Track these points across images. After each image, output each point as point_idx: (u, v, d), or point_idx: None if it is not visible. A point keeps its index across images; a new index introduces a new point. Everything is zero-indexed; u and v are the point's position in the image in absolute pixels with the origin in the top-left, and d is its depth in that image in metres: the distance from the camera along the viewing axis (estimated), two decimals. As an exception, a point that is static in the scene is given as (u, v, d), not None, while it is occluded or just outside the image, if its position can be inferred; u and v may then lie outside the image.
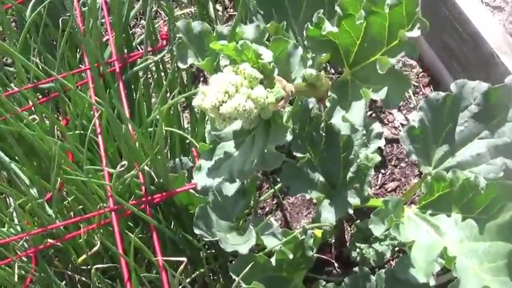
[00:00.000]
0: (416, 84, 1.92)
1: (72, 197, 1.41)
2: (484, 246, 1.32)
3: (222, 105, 1.08)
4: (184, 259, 1.23)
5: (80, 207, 1.42)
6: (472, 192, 1.36)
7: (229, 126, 1.21)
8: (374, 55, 1.26)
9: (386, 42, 1.24)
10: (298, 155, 1.50)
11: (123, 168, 1.26)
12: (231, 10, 2.17)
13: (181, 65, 1.36)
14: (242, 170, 1.21)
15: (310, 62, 1.29)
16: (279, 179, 1.77)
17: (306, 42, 1.29)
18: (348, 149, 1.53)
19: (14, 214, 1.39)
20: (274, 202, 1.80)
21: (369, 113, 1.89)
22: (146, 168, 1.32)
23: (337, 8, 1.24)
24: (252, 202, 1.64)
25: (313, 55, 1.28)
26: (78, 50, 1.73)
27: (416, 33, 1.17)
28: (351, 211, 1.47)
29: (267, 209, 1.79)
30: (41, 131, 1.35)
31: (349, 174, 1.52)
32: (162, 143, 1.31)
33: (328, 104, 1.24)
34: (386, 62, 1.19)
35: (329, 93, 1.25)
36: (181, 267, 1.21)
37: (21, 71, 1.52)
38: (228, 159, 1.24)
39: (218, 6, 2.15)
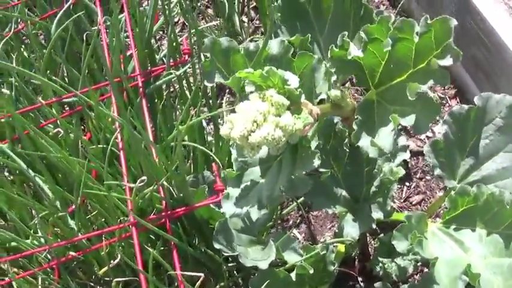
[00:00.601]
0: (442, 96, 1.90)
1: (95, 211, 1.42)
2: (509, 262, 1.31)
3: (250, 134, 1.06)
4: (202, 274, 1.22)
5: (102, 219, 1.42)
6: (497, 207, 1.35)
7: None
8: (400, 76, 1.25)
9: (413, 64, 1.23)
10: (322, 169, 1.49)
11: (142, 184, 1.27)
12: (257, 22, 2.17)
13: (208, 84, 1.36)
14: (271, 196, 1.20)
15: (334, 77, 1.28)
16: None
17: (329, 64, 1.28)
18: (372, 164, 1.53)
19: (38, 226, 1.40)
20: (298, 215, 1.79)
21: (394, 125, 1.87)
22: (166, 183, 1.32)
23: (362, 34, 1.23)
24: (275, 215, 1.63)
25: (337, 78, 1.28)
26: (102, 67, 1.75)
27: (448, 61, 1.15)
28: (373, 226, 1.46)
29: (290, 222, 1.79)
30: (64, 153, 1.36)
31: (373, 189, 1.51)
32: (181, 158, 1.31)
33: (355, 127, 1.23)
34: (415, 88, 1.17)
35: (355, 116, 1.24)
36: (199, 282, 1.20)
37: (46, 85, 1.54)
38: (256, 186, 1.24)
39: (244, 18, 2.15)
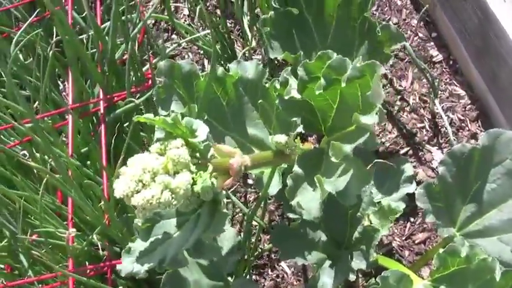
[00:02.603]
0: (462, 118, 1.67)
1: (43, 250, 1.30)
2: (502, 334, 1.20)
3: (133, 196, 0.90)
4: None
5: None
6: (488, 275, 1.20)
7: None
8: (350, 126, 1.06)
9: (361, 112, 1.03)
10: (290, 215, 1.33)
11: (74, 234, 1.14)
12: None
13: (162, 112, 1.22)
14: (175, 257, 1.02)
15: (271, 140, 1.10)
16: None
17: (277, 102, 1.10)
18: (355, 206, 1.35)
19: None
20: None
21: (405, 149, 1.66)
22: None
23: (299, 71, 1.04)
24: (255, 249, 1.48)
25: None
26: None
27: (371, 119, 0.95)
28: (353, 277, 1.31)
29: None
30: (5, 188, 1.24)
31: (356, 235, 1.35)
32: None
33: (289, 182, 1.04)
34: (339, 149, 1.01)
35: (294, 168, 1.06)
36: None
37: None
38: (166, 241, 1.07)
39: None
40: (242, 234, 1.41)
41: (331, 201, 1.31)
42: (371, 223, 1.35)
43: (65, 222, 1.27)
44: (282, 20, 1.49)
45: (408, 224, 1.60)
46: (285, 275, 1.60)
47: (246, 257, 1.43)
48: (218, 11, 1.96)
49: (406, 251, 1.56)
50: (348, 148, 0.99)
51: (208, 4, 1.97)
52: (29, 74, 1.45)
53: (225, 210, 0.99)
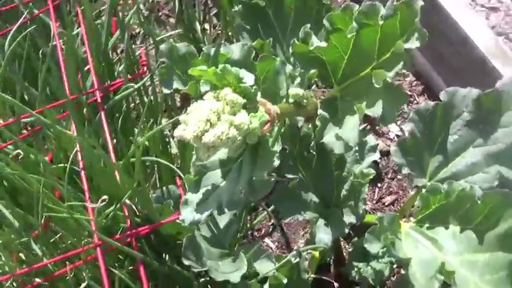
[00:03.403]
0: (410, 93, 1.88)
1: (59, 234, 1.38)
2: (483, 257, 1.29)
3: (204, 134, 1.03)
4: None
5: (69, 242, 1.38)
6: (469, 203, 1.33)
7: (215, 155, 1.15)
8: (364, 70, 1.23)
9: (377, 56, 1.21)
10: (290, 176, 1.46)
11: (103, 203, 1.23)
12: (219, 28, 2.14)
13: (166, 91, 1.32)
14: (231, 200, 1.15)
15: (298, 80, 1.27)
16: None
17: (292, 60, 1.26)
18: (341, 167, 1.50)
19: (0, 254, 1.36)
20: (270, 223, 1.77)
21: (363, 125, 1.85)
22: (128, 201, 1.29)
23: (325, 22, 1.22)
24: (248, 225, 1.60)
25: (302, 71, 1.25)
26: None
27: (415, 44, 1.13)
28: (346, 230, 1.44)
29: (263, 231, 1.76)
30: (22, 171, 1.32)
31: (343, 193, 1.49)
32: (141, 175, 1.27)
33: (318, 123, 1.21)
34: (383, 75, 1.15)
35: (319, 112, 1.22)
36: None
37: (3, 105, 1.50)
38: (216, 190, 1.19)
39: (206, 26, 2.12)
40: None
41: (318, 165, 1.48)
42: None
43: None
44: (248, 13, 1.63)
45: (376, 190, 1.78)
46: (270, 250, 1.72)
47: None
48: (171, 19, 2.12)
49: (379, 212, 1.74)
50: (391, 74, 1.15)
51: (160, 13, 2.12)
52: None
53: (272, 149, 1.12)
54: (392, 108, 1.18)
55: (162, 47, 1.32)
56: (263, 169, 1.14)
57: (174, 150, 1.59)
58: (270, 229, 1.72)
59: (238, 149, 1.12)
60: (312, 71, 1.26)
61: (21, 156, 1.42)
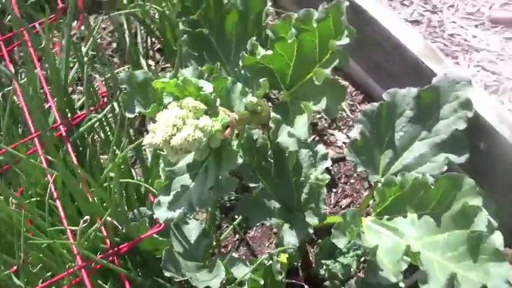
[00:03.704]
0: (351, 103, 1.99)
1: (39, 266, 1.41)
2: (443, 237, 1.38)
3: (172, 138, 1.12)
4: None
5: (49, 274, 1.41)
6: (422, 190, 1.43)
7: (182, 161, 1.27)
8: (309, 73, 1.34)
9: (319, 59, 1.32)
10: (252, 185, 1.54)
11: (85, 224, 1.28)
12: (163, 63, 2.22)
13: (129, 115, 1.39)
14: (200, 199, 1.25)
15: (250, 96, 1.35)
16: (236, 216, 1.79)
17: (242, 72, 1.35)
18: (298, 172, 1.58)
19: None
20: (235, 239, 1.83)
21: (311, 137, 1.94)
22: (109, 219, 1.34)
23: (269, 32, 1.32)
24: (214, 242, 1.66)
25: (251, 89, 1.35)
26: (19, 124, 1.75)
27: (345, 40, 1.24)
28: (311, 231, 1.50)
29: (229, 247, 1.81)
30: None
31: (303, 196, 1.56)
32: (120, 192, 1.33)
33: (272, 125, 1.30)
34: (322, 73, 1.26)
35: (272, 115, 1.31)
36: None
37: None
38: (186, 191, 1.28)
39: (151, 62, 2.19)
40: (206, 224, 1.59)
41: (276, 173, 1.56)
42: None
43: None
44: (193, 41, 1.71)
45: (332, 194, 1.86)
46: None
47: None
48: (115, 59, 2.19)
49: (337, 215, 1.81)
50: (328, 71, 1.25)
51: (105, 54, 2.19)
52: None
53: (234, 148, 1.20)
54: (335, 102, 1.30)
55: (122, 74, 1.39)
56: (228, 167, 1.23)
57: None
58: (236, 244, 1.78)
59: (203, 153, 1.21)
60: (262, 79, 1.35)
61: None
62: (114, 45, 2.30)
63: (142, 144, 1.19)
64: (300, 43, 1.33)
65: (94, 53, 1.91)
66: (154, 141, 1.14)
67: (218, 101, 1.23)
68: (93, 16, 2.42)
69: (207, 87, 1.21)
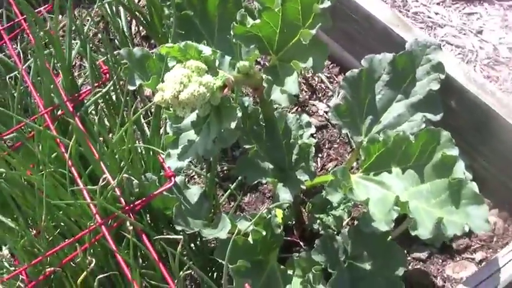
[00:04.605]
0: (328, 75, 2.12)
1: (57, 231, 1.51)
2: (426, 187, 1.49)
3: (179, 94, 1.26)
4: (181, 237, 1.36)
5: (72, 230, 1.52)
6: (404, 145, 1.54)
7: (186, 119, 1.43)
8: (294, 37, 1.46)
9: (302, 23, 1.44)
10: (246, 146, 1.66)
11: (104, 182, 1.39)
12: (148, 49, 2.32)
13: (131, 87, 1.50)
14: (206, 150, 1.39)
15: (238, 64, 1.47)
16: (231, 185, 1.91)
17: (234, 40, 1.48)
18: (287, 135, 1.70)
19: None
20: (231, 206, 1.94)
21: (294, 108, 2.07)
22: (125, 175, 1.45)
23: (256, 3, 1.44)
24: (213, 207, 1.77)
25: (238, 61, 1.47)
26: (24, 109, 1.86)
27: (326, 3, 1.37)
28: (303, 187, 1.63)
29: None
30: (14, 176, 1.46)
31: (294, 157, 1.68)
32: (134, 152, 1.45)
33: (265, 85, 1.43)
34: (308, 34, 1.39)
35: (264, 77, 1.44)
36: (179, 245, 1.33)
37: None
38: (192, 144, 1.43)
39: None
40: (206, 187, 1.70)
41: (268, 137, 1.68)
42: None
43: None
44: (180, 23, 1.81)
45: (318, 159, 2.00)
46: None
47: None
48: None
49: (325, 177, 1.94)
50: (313, 31, 1.39)
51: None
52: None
53: (233, 105, 1.34)
54: (320, 59, 1.43)
55: (122, 51, 1.50)
56: (229, 120, 1.35)
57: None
58: (232, 210, 1.89)
59: (206, 110, 1.34)
60: (252, 46, 1.47)
61: (4, 174, 1.54)
62: (100, 36, 2.41)
63: (153, 102, 1.32)
64: (284, 11, 1.45)
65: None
66: (164, 98, 1.27)
67: (217, 63, 1.37)
68: (77, 10, 2.53)
69: (207, 50, 1.35)
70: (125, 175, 1.43)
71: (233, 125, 1.34)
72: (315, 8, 1.39)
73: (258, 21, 1.45)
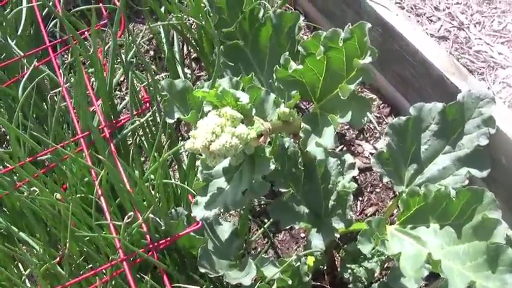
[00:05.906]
0: (378, 115, 2.07)
1: (81, 258, 1.51)
2: (463, 248, 1.44)
3: (211, 144, 1.23)
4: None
5: (90, 266, 1.51)
6: (445, 202, 1.49)
7: (218, 165, 1.37)
8: (337, 87, 1.43)
9: (346, 74, 1.41)
10: (283, 190, 1.63)
11: (130, 219, 1.37)
12: (198, 71, 2.32)
13: (169, 120, 1.50)
14: (235, 200, 1.36)
15: (282, 106, 1.44)
16: (266, 220, 1.88)
17: (276, 84, 1.45)
18: (326, 180, 1.66)
19: (27, 282, 1.48)
20: (265, 242, 1.91)
21: (339, 147, 2.03)
22: (151, 215, 1.43)
23: (300, 48, 1.41)
24: (244, 244, 1.75)
25: (284, 99, 1.44)
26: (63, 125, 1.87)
27: (368, 59, 1.33)
28: (337, 235, 1.58)
29: (259, 249, 1.90)
30: (45, 198, 1.46)
31: (331, 203, 1.64)
32: (162, 190, 1.43)
33: (302, 135, 1.39)
34: (347, 89, 1.36)
35: (302, 125, 1.41)
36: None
37: (16, 148, 1.64)
38: (221, 193, 1.39)
39: (186, 70, 2.30)
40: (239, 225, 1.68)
41: (306, 180, 1.64)
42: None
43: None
44: (229, 52, 1.81)
45: (358, 203, 1.95)
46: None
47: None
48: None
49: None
50: (352, 87, 1.35)
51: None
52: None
53: (267, 156, 1.30)
54: (359, 115, 1.40)
55: (163, 82, 1.49)
56: (261, 172, 1.33)
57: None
58: (265, 247, 1.86)
59: (239, 159, 1.32)
60: (293, 91, 1.44)
61: (36, 193, 1.55)
62: (152, 53, 2.41)
63: (183, 148, 1.29)
64: (329, 59, 1.42)
65: (133, 60, 2.01)
66: (195, 146, 1.24)
67: (254, 111, 1.33)
68: (132, 24, 2.54)
69: (244, 98, 1.31)
70: (151, 215, 1.41)
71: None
72: (355, 63, 1.35)
73: (300, 66, 1.42)
